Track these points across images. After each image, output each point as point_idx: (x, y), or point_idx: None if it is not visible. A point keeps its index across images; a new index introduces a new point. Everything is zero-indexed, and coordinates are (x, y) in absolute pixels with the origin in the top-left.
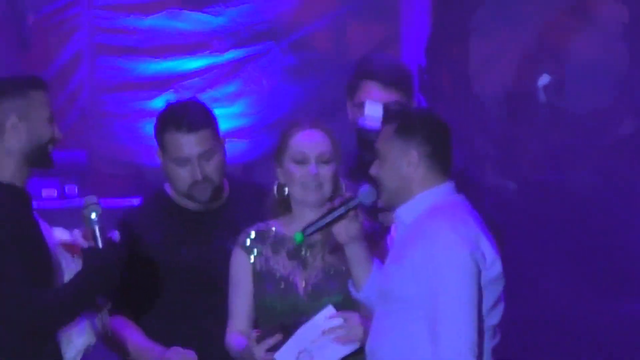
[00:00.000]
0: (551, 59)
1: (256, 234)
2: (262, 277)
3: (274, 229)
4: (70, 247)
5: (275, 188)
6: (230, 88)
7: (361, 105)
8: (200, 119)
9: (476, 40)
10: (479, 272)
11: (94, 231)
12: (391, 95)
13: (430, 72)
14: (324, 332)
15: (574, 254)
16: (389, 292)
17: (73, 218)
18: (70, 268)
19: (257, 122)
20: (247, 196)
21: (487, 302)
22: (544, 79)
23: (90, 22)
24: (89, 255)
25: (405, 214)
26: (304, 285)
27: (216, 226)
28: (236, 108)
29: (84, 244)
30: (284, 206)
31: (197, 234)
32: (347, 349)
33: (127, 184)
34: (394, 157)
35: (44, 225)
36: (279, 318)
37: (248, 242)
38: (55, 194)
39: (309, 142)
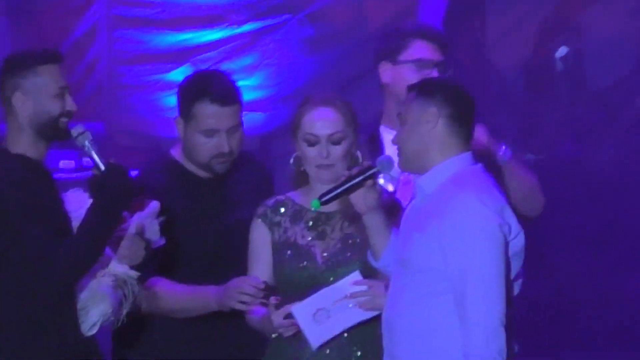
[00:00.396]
0: (570, 30)
1: (275, 205)
2: (280, 247)
3: (292, 200)
4: None
5: (292, 161)
6: (247, 60)
7: (414, 63)
8: (233, 94)
9: (494, 11)
10: (507, 244)
11: (92, 157)
12: (439, 56)
13: (448, 43)
14: (346, 296)
15: (593, 228)
16: (409, 261)
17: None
18: None
19: (274, 94)
20: (240, 164)
21: (512, 271)
22: (562, 51)
23: None
24: (94, 182)
25: (426, 183)
26: (322, 255)
27: (225, 197)
28: (253, 80)
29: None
30: (302, 178)
31: (210, 207)
32: (366, 315)
33: (144, 156)
34: (413, 117)
35: (73, 197)
36: (297, 288)
37: (267, 213)
38: (73, 165)
39: (319, 122)
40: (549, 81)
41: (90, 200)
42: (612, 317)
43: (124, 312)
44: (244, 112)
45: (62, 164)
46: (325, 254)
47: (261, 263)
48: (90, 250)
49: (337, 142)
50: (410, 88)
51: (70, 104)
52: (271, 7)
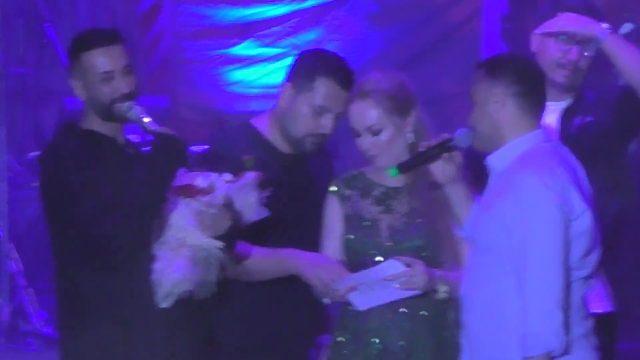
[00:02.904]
0: (635, 7)
1: (348, 179)
2: (351, 220)
3: (364, 174)
4: (188, 190)
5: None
6: (311, 36)
7: (558, 37)
8: (353, 82)
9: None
10: (568, 225)
11: (144, 125)
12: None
13: (514, 20)
14: (385, 279)
15: None
16: (478, 240)
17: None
18: (177, 214)
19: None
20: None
21: (575, 254)
22: (626, 27)
23: None
24: (155, 142)
25: (496, 161)
26: (387, 229)
27: (307, 175)
28: None
29: (202, 183)
30: None
31: (293, 182)
32: (407, 293)
33: (207, 129)
34: (482, 98)
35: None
36: (364, 259)
37: (340, 187)
38: (138, 139)
39: (356, 117)
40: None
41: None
42: None
43: (211, 282)
44: None
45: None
46: (390, 228)
47: (333, 235)
48: (134, 219)
49: (376, 133)
50: (478, 66)
51: (124, 86)
52: None
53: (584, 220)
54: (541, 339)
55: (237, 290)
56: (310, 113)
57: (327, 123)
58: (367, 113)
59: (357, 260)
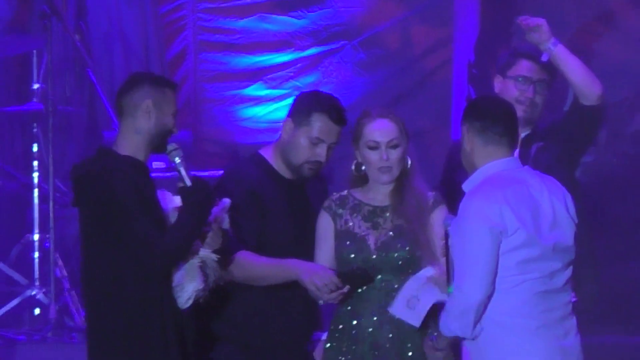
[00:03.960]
0: (582, 56)
1: (339, 199)
2: (341, 235)
3: (353, 195)
4: None
5: (353, 166)
6: (310, 79)
7: (516, 79)
8: (344, 118)
9: (517, 41)
10: (497, 240)
11: (180, 172)
12: (541, 75)
13: (478, 66)
14: (427, 280)
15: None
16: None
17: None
18: None
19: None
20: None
21: (512, 261)
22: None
23: (194, 23)
24: (183, 194)
25: (466, 186)
26: (375, 243)
27: (306, 199)
28: None
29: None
30: (360, 179)
31: (289, 203)
32: (444, 295)
33: (223, 158)
34: (462, 139)
35: (164, 193)
36: (352, 269)
37: (332, 206)
38: (164, 166)
39: (379, 130)
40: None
41: (176, 199)
42: None
43: (208, 288)
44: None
45: (155, 164)
46: (376, 242)
47: (325, 248)
48: (184, 242)
49: (394, 147)
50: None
51: (176, 127)
52: (330, 35)
53: (519, 235)
54: (461, 311)
55: (241, 292)
56: (307, 144)
57: (321, 152)
58: (390, 128)
59: (346, 270)
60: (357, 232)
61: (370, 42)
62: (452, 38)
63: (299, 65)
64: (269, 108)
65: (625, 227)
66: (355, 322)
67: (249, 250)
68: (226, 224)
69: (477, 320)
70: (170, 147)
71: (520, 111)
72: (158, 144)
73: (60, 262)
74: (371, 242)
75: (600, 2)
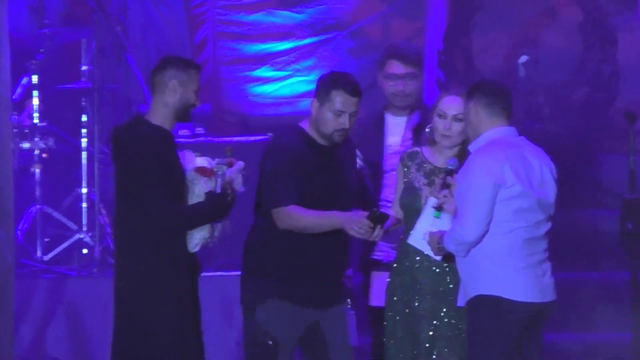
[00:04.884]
0: (529, 44)
1: (411, 153)
2: (406, 184)
3: (422, 153)
4: (204, 170)
5: (428, 129)
6: (308, 63)
7: (388, 77)
8: (359, 89)
9: (478, 32)
10: (496, 190)
11: (217, 181)
12: (407, 69)
13: (446, 54)
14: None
15: None
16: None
17: (201, 150)
18: (200, 186)
19: None
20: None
21: (509, 208)
22: (523, 59)
23: (213, 18)
24: (210, 196)
25: (472, 147)
26: (424, 197)
27: (336, 160)
28: (312, 76)
29: (216, 168)
30: (433, 141)
31: (325, 165)
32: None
33: (235, 127)
34: (466, 113)
35: (186, 156)
36: (408, 215)
37: (405, 157)
38: (188, 133)
39: (449, 104)
40: (516, 79)
41: (195, 157)
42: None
43: (214, 237)
44: (305, 99)
45: (181, 132)
46: (427, 196)
47: (397, 192)
48: (188, 224)
49: (458, 120)
50: (464, 94)
51: (198, 101)
52: (325, 27)
53: (514, 188)
54: (452, 241)
55: (282, 234)
56: (332, 116)
57: (345, 121)
58: (457, 104)
59: (405, 214)
60: (415, 185)
61: (358, 33)
62: (424, 30)
63: (298, 52)
64: (274, 87)
65: (569, 182)
66: (406, 262)
67: (295, 205)
68: (238, 185)
69: (471, 248)
70: (219, 163)
71: (396, 102)
72: (183, 115)
73: (103, 211)
74: (423, 195)
75: (542, 0)
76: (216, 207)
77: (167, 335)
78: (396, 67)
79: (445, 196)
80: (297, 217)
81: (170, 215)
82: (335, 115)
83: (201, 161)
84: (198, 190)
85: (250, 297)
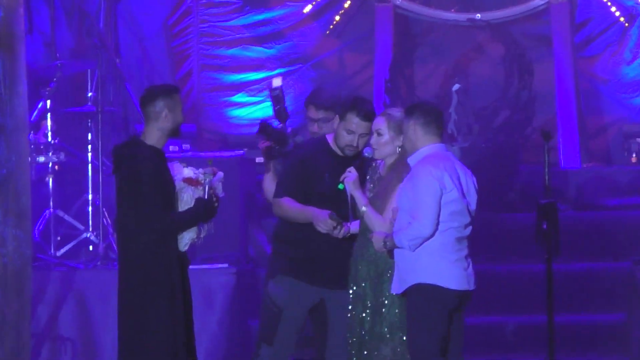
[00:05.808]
0: (460, 74)
1: (373, 166)
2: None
3: (378, 165)
4: (191, 181)
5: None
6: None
7: (346, 129)
8: (371, 116)
9: (418, 64)
10: (441, 193)
11: (205, 189)
12: (320, 115)
13: (392, 82)
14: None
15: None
16: (399, 205)
17: (187, 162)
18: (188, 194)
19: (294, 108)
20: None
21: (446, 210)
22: (455, 86)
23: (198, 52)
24: (199, 202)
25: (411, 160)
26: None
27: (347, 167)
28: None
29: (200, 179)
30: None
31: (336, 168)
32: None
33: (217, 143)
34: (405, 130)
35: (175, 167)
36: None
37: (369, 170)
38: (177, 149)
39: (357, 124)
40: (449, 104)
41: (183, 168)
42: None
43: (200, 237)
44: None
45: (171, 148)
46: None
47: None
48: (179, 228)
49: (363, 136)
50: (403, 113)
51: (183, 118)
52: (291, 60)
53: (452, 193)
54: (404, 240)
55: (296, 226)
56: (345, 134)
57: (353, 139)
58: (365, 125)
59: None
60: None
61: (318, 65)
62: (373, 62)
63: (269, 80)
64: (248, 110)
65: (494, 189)
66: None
67: (289, 198)
68: (219, 191)
69: (424, 242)
70: (205, 172)
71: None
72: (175, 133)
73: (106, 214)
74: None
75: (472, 36)
76: (204, 211)
77: (160, 318)
78: (313, 112)
79: (349, 171)
80: (284, 207)
81: (163, 222)
82: (348, 133)
83: (188, 172)
84: (186, 198)
85: (267, 273)
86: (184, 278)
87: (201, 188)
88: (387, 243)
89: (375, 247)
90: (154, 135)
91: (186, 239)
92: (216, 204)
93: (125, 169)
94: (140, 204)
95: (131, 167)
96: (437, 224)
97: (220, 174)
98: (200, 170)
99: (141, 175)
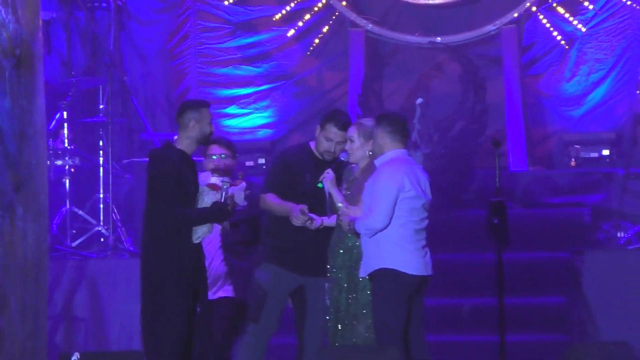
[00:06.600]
0: (423, 90)
1: (348, 169)
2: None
3: (353, 169)
4: (214, 186)
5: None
6: (264, 103)
7: (326, 138)
8: (347, 126)
9: (387, 81)
10: (397, 193)
11: (222, 194)
12: (341, 138)
13: (364, 96)
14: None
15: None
16: (364, 201)
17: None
18: (209, 197)
19: (277, 120)
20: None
21: (405, 207)
22: (419, 100)
23: (195, 70)
24: (215, 204)
25: (378, 162)
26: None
27: (324, 169)
28: (267, 113)
29: (221, 184)
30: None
31: (316, 170)
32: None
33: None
34: (374, 136)
35: (204, 175)
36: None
37: (344, 173)
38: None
39: (334, 133)
40: (413, 115)
41: (211, 176)
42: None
43: (210, 232)
44: (261, 129)
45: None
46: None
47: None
48: (192, 223)
49: (340, 144)
50: (374, 122)
51: (213, 129)
52: (276, 77)
53: (410, 192)
54: (367, 228)
55: (280, 220)
56: (324, 141)
57: (331, 146)
58: (342, 134)
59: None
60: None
61: (300, 82)
62: (348, 79)
63: (257, 95)
64: (239, 120)
65: (451, 189)
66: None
67: (273, 194)
68: (240, 200)
69: (377, 233)
70: (224, 180)
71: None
72: (203, 141)
73: (115, 211)
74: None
75: (433, 56)
76: (217, 212)
77: (172, 297)
78: (335, 133)
79: (327, 172)
80: (267, 202)
81: (176, 214)
82: (327, 140)
83: (214, 179)
84: (207, 200)
85: (255, 261)
86: (196, 268)
87: (220, 193)
88: (351, 226)
89: (342, 227)
90: (184, 142)
91: (199, 233)
92: (230, 208)
93: (151, 168)
94: (159, 197)
95: (156, 166)
96: (391, 218)
97: (243, 184)
98: (224, 179)
99: (159, 174)
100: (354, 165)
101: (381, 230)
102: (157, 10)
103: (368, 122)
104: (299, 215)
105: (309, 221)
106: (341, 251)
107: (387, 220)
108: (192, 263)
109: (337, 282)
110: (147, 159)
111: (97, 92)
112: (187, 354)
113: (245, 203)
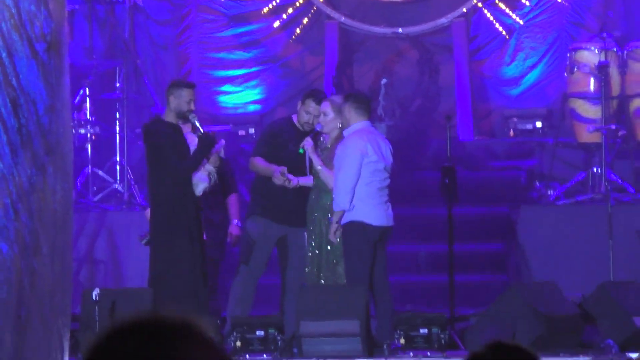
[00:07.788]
0: (387, 73)
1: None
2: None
3: (325, 138)
4: (193, 128)
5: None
6: (254, 82)
7: (305, 111)
8: (323, 99)
9: (357, 64)
10: (362, 159)
11: (195, 125)
12: (317, 111)
13: (338, 78)
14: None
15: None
16: (334, 163)
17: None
18: (201, 182)
19: (266, 96)
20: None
21: (369, 169)
22: (383, 81)
23: (196, 55)
24: (199, 138)
25: (346, 132)
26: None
27: (304, 137)
28: (257, 90)
29: (191, 118)
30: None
31: (297, 139)
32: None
33: (209, 121)
34: (343, 111)
35: (190, 136)
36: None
37: (318, 140)
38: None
39: (314, 108)
40: (379, 93)
41: (195, 138)
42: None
43: (210, 185)
44: (252, 104)
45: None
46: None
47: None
48: (195, 165)
49: (316, 117)
50: (344, 99)
51: (191, 107)
52: (264, 60)
53: (372, 157)
54: (340, 204)
55: (264, 182)
56: (304, 114)
57: (309, 119)
58: (317, 108)
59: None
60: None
61: (285, 65)
62: (324, 63)
63: (248, 76)
64: (232, 97)
65: (410, 155)
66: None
67: (260, 158)
68: (222, 153)
69: (352, 198)
70: (191, 116)
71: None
72: (182, 116)
73: (129, 171)
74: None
75: (395, 45)
76: (205, 142)
77: (179, 246)
78: (313, 107)
79: (307, 140)
80: (255, 164)
81: (181, 165)
82: (306, 114)
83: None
84: (201, 187)
85: (246, 214)
86: (197, 219)
87: (198, 133)
88: (335, 218)
89: (331, 229)
90: (169, 115)
91: (200, 187)
92: (212, 138)
93: (147, 140)
94: (164, 160)
95: (153, 137)
96: (357, 178)
97: (222, 141)
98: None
99: (161, 140)
100: (325, 136)
101: (354, 186)
102: (168, 11)
103: (338, 99)
104: (279, 176)
105: (287, 181)
106: (318, 206)
107: (356, 176)
108: (193, 213)
109: (316, 234)
110: (142, 129)
111: (114, 73)
112: (193, 290)
113: (226, 157)
